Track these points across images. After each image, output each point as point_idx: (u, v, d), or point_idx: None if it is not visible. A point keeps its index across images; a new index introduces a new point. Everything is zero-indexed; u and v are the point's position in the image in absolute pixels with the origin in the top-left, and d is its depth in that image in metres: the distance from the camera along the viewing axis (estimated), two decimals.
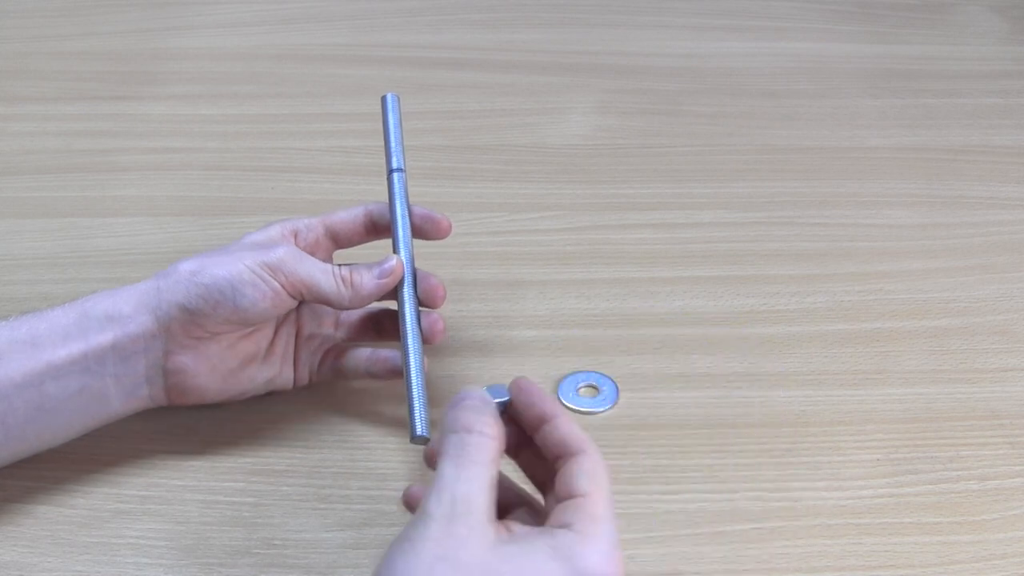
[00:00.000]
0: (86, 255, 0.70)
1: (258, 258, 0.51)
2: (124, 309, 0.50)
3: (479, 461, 0.41)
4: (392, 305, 0.57)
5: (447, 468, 0.41)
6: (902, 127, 0.87)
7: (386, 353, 0.57)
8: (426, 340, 0.55)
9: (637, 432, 0.58)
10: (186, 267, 0.51)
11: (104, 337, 0.50)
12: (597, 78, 0.93)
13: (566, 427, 0.43)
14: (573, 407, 0.60)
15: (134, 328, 0.50)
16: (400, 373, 0.55)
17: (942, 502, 0.55)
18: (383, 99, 0.59)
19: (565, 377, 0.61)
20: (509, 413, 0.45)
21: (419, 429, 0.51)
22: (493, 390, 0.45)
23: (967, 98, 0.91)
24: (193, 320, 0.50)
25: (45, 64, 0.93)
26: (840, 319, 0.67)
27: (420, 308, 0.56)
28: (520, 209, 0.76)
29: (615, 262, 0.71)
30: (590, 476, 0.42)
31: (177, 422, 0.58)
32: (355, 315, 0.59)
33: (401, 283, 0.55)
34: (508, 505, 0.46)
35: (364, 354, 0.58)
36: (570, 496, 0.41)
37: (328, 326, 0.59)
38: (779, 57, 0.97)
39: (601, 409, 0.60)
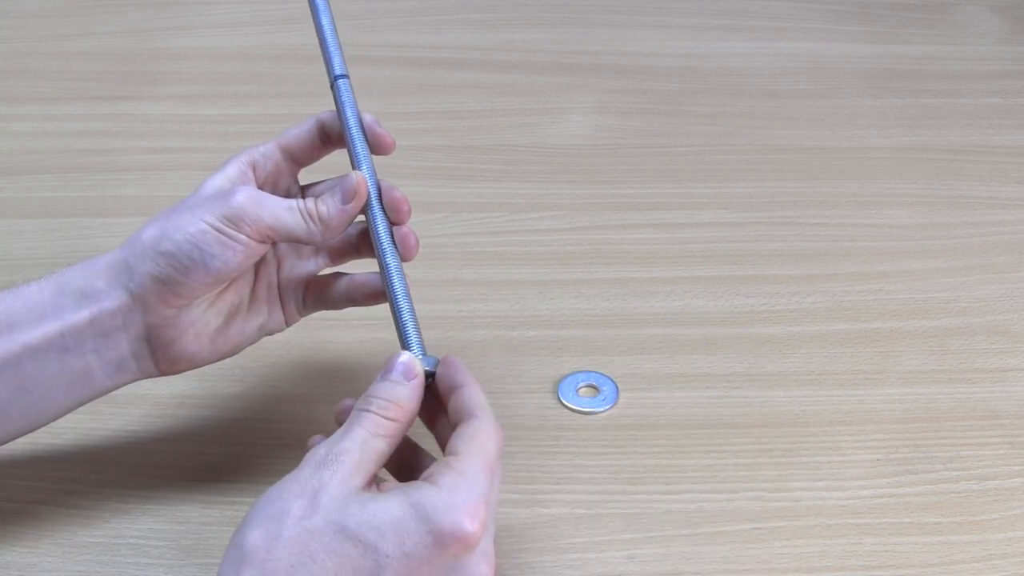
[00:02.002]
0: (86, 255, 0.69)
1: (217, 211, 0.48)
2: (98, 284, 0.49)
3: (369, 430, 0.44)
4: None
5: (339, 431, 0.44)
6: (902, 127, 0.87)
7: (362, 278, 0.55)
8: (402, 258, 0.52)
9: (637, 432, 0.58)
10: (148, 235, 0.49)
11: (80, 315, 0.48)
12: (597, 78, 0.93)
13: (468, 395, 0.46)
14: (573, 407, 0.60)
15: (109, 304, 0.48)
16: (380, 296, 0.53)
17: (942, 502, 0.55)
18: (312, 1, 0.55)
19: (565, 377, 0.61)
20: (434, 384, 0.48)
21: (414, 350, 0.49)
22: (427, 360, 0.48)
23: (967, 98, 0.91)
24: (168, 289, 0.48)
25: (45, 64, 0.93)
26: (840, 319, 0.67)
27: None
28: (520, 209, 0.76)
29: (615, 262, 0.71)
30: (469, 437, 0.44)
31: (178, 422, 0.58)
32: (333, 241, 0.56)
33: (368, 202, 0.52)
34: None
35: (343, 281, 0.56)
36: (449, 455, 0.44)
37: (308, 257, 0.56)
38: (779, 57, 0.97)
39: (601, 409, 0.60)
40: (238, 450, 0.57)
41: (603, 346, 0.64)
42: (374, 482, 0.44)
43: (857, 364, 0.63)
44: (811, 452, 0.57)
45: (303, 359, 0.62)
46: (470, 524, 0.41)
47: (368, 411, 0.45)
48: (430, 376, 0.48)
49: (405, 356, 0.47)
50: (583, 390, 0.61)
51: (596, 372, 0.62)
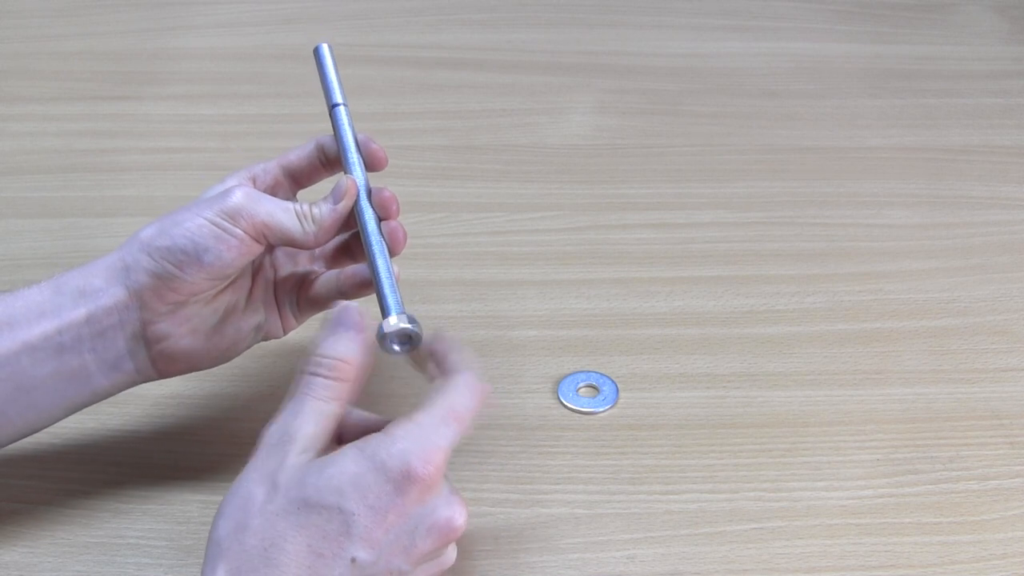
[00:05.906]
0: (86, 255, 0.69)
1: (215, 207, 0.49)
2: (95, 283, 0.49)
3: (320, 397, 0.45)
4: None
5: (290, 404, 0.45)
6: (902, 127, 0.87)
7: (351, 269, 0.56)
8: (390, 251, 0.53)
9: (637, 432, 0.58)
10: (146, 233, 0.50)
11: (77, 312, 0.49)
12: (597, 78, 0.93)
13: (452, 359, 0.48)
14: (573, 407, 0.60)
15: (106, 301, 0.49)
16: (369, 285, 0.54)
17: (942, 502, 0.55)
18: (316, 50, 0.57)
19: (565, 377, 0.62)
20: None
21: (392, 309, 0.49)
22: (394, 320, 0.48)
23: (967, 98, 0.91)
24: (165, 285, 0.49)
25: (45, 64, 0.94)
26: (840, 319, 0.67)
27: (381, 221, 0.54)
28: (520, 209, 0.76)
29: (615, 262, 0.71)
30: (438, 392, 0.46)
31: (177, 422, 0.58)
32: (328, 245, 0.57)
33: (357, 202, 0.53)
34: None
35: (332, 276, 0.57)
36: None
37: (304, 263, 0.57)
38: (779, 57, 0.97)
39: (601, 409, 0.60)
40: (237, 450, 0.56)
41: (603, 346, 0.64)
42: (333, 443, 0.45)
43: (857, 364, 0.63)
44: (811, 452, 0.57)
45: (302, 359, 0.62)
46: (420, 467, 0.42)
47: (316, 375, 0.46)
48: (417, 338, 0.49)
49: (351, 308, 0.47)
50: (583, 390, 0.61)
51: (596, 372, 0.62)
